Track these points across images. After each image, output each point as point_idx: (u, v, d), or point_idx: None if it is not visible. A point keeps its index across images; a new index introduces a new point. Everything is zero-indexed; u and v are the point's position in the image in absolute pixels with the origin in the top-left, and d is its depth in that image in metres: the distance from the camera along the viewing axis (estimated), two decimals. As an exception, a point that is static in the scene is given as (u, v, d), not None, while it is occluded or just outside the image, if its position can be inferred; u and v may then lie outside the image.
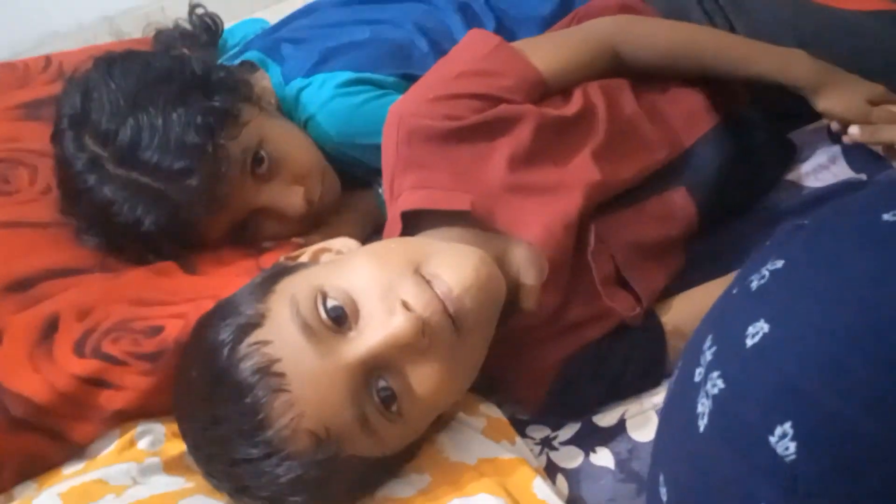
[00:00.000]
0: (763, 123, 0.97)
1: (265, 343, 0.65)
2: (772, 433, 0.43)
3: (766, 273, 0.49)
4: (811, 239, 0.51)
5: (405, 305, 0.66)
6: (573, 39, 0.91)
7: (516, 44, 0.89)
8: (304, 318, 0.66)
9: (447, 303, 0.67)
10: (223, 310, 0.71)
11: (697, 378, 0.49)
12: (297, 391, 0.63)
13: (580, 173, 0.82)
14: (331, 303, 0.67)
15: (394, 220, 0.80)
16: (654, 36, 0.92)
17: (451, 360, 0.69)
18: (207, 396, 0.67)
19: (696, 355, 0.50)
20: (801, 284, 0.47)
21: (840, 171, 0.93)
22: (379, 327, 0.66)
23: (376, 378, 0.66)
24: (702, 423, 0.47)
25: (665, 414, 0.56)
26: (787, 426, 0.42)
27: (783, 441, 0.42)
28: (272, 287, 0.70)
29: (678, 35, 0.93)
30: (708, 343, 0.50)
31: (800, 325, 0.45)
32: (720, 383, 0.47)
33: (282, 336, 0.65)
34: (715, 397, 0.47)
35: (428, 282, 0.68)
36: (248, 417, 0.64)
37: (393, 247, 0.74)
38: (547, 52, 0.87)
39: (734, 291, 0.51)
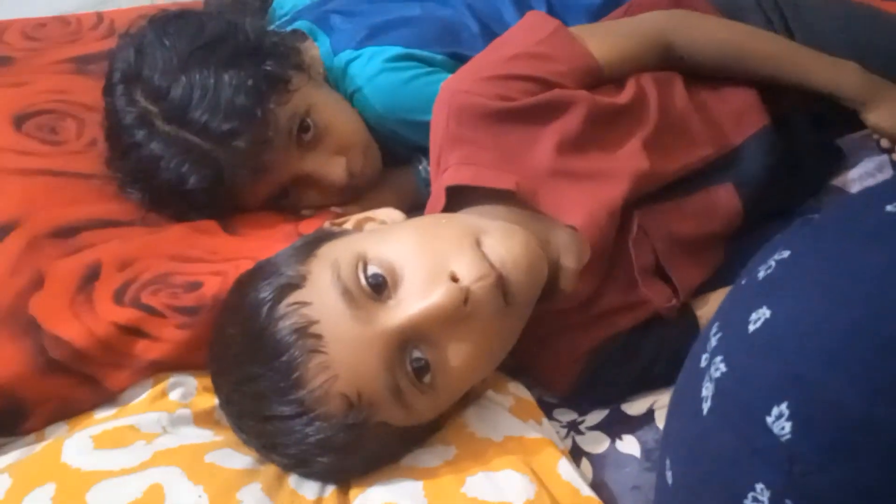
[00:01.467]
0: (811, 127, 0.97)
1: (305, 304, 0.67)
2: (768, 414, 0.44)
3: (773, 263, 0.51)
4: (817, 230, 0.53)
5: (453, 277, 0.68)
6: (629, 29, 0.92)
7: (573, 29, 0.90)
8: (345, 283, 0.67)
9: (504, 272, 0.69)
10: (264, 270, 0.73)
11: (703, 363, 0.51)
12: (333, 354, 0.66)
13: (628, 161, 0.84)
14: (371, 270, 0.69)
15: (438, 195, 0.82)
16: (709, 34, 0.93)
17: (489, 334, 0.71)
18: (244, 353, 0.69)
19: (703, 342, 0.53)
20: (805, 273, 0.49)
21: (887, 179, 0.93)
22: (419, 298, 0.67)
23: (412, 348, 0.68)
24: (705, 407, 0.49)
25: (674, 400, 0.58)
26: (784, 407, 0.44)
27: (779, 421, 0.44)
28: (314, 251, 0.72)
29: (733, 36, 0.94)
30: (714, 330, 0.52)
31: (801, 311, 0.46)
32: (723, 367, 0.48)
33: (321, 299, 0.67)
34: (717, 381, 0.48)
35: (483, 251, 0.69)
36: (283, 375, 0.66)
37: (444, 221, 0.76)
38: (603, 40, 0.89)
39: (743, 282, 0.54)
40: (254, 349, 0.68)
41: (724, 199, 0.89)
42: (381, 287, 0.68)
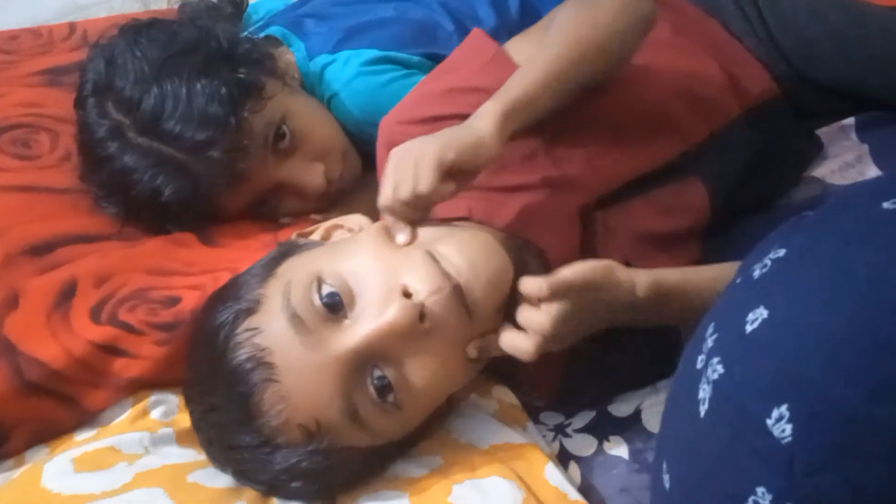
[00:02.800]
0: (789, 118, 0.96)
1: (257, 332, 0.65)
2: (768, 416, 0.44)
3: (768, 262, 0.50)
4: (813, 227, 0.51)
5: (405, 291, 0.65)
6: (542, 31, 0.87)
7: (510, 45, 0.88)
8: (294, 308, 0.65)
9: (462, 281, 0.66)
10: (229, 290, 0.71)
11: (699, 365, 0.50)
12: (286, 382, 0.64)
13: (579, 168, 0.82)
14: (326, 289, 0.66)
15: None
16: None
17: (454, 348, 0.68)
18: (206, 381, 0.68)
19: (698, 343, 0.51)
20: (802, 272, 0.48)
21: (866, 170, 0.93)
22: (372, 317, 0.65)
23: (372, 367, 0.66)
24: (702, 409, 0.48)
25: (669, 403, 0.57)
26: (784, 409, 0.43)
27: (780, 423, 0.43)
28: (275, 269, 0.70)
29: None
30: (710, 331, 0.51)
31: (799, 310, 0.46)
32: (720, 368, 0.47)
33: (271, 326, 0.65)
34: (715, 383, 0.48)
35: (437, 261, 0.66)
36: (240, 406, 0.65)
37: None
38: (525, 48, 0.86)
39: (737, 281, 0.52)
40: (213, 378, 0.66)
41: (692, 193, 0.87)
42: (337, 306, 0.66)
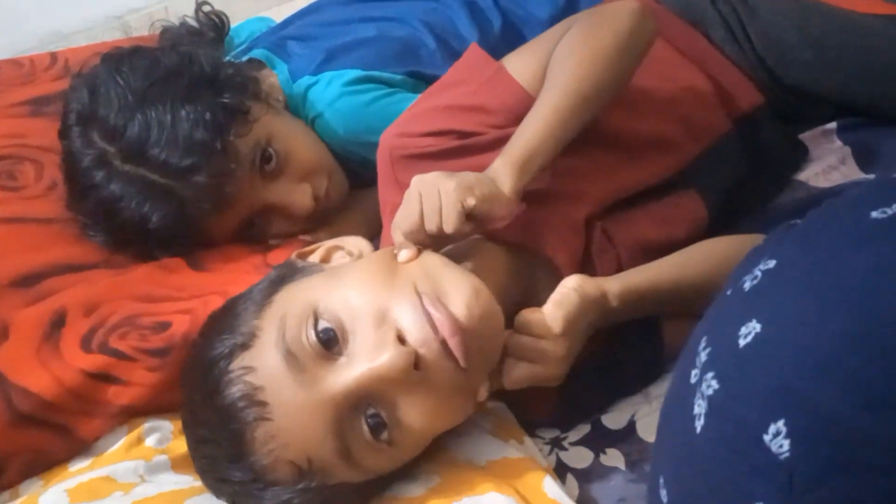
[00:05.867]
0: (775, 125, 0.97)
1: (251, 370, 0.64)
2: (766, 431, 0.43)
3: (759, 273, 0.49)
4: (802, 238, 0.51)
5: (399, 336, 0.64)
6: (544, 49, 0.85)
7: (508, 61, 0.87)
8: (288, 346, 0.64)
9: (449, 340, 0.64)
10: (226, 318, 0.70)
11: (693, 380, 0.49)
12: (278, 421, 0.63)
13: (583, 179, 0.82)
14: (322, 325, 0.65)
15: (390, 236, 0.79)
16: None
17: (450, 390, 0.67)
18: (199, 413, 0.67)
19: (691, 357, 0.51)
20: (793, 284, 0.47)
21: (849, 172, 0.94)
22: (366, 358, 0.64)
23: (365, 405, 0.65)
24: (698, 425, 0.48)
25: (664, 416, 0.56)
26: (781, 424, 0.43)
27: (777, 439, 0.43)
28: (273, 296, 0.69)
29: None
30: (703, 344, 0.50)
31: (792, 323, 0.45)
32: (714, 384, 0.47)
33: (265, 363, 0.64)
34: (710, 398, 0.47)
35: (427, 312, 0.65)
36: (232, 443, 0.64)
37: (392, 269, 0.70)
38: (524, 65, 0.85)
39: (728, 293, 0.52)
40: (205, 411, 0.66)
41: (689, 205, 0.88)
42: (331, 343, 0.64)
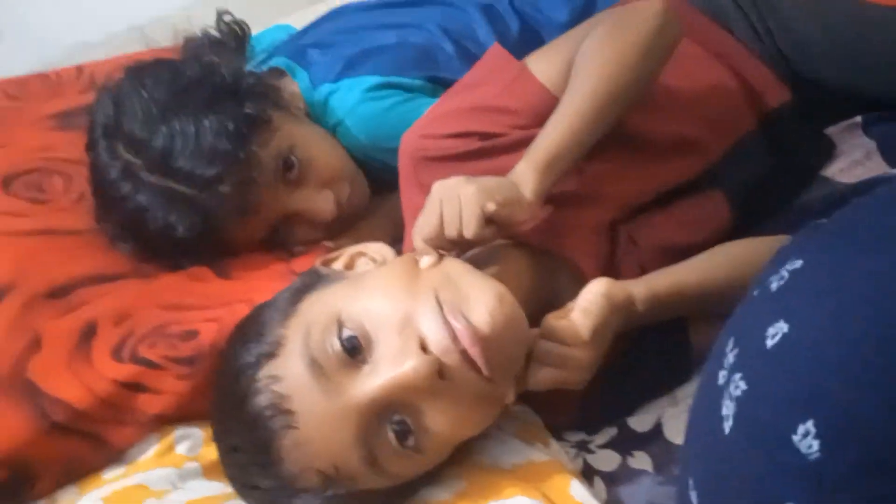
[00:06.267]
0: (800, 120, 0.96)
1: (276, 379, 0.65)
2: (794, 432, 0.43)
3: (786, 274, 0.49)
4: (829, 238, 0.51)
5: (422, 344, 0.64)
6: (568, 49, 0.85)
7: (530, 62, 0.87)
8: (313, 354, 0.65)
9: (469, 350, 0.64)
10: (252, 327, 0.71)
11: (721, 381, 0.49)
12: (305, 429, 0.64)
13: (607, 182, 0.82)
14: (346, 333, 0.65)
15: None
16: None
17: (475, 396, 0.67)
18: (227, 422, 0.68)
19: (719, 358, 0.51)
20: (820, 284, 0.47)
21: (875, 167, 0.93)
22: (390, 366, 0.64)
23: (391, 413, 0.65)
24: (727, 426, 0.48)
25: (692, 418, 0.56)
26: (810, 424, 0.43)
27: (806, 439, 0.43)
28: (297, 305, 0.70)
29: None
30: (730, 346, 0.50)
31: (819, 324, 0.45)
32: (742, 385, 0.47)
33: (291, 372, 0.65)
34: (738, 399, 0.47)
35: (448, 322, 0.64)
36: (260, 450, 0.65)
37: (414, 275, 0.70)
38: (548, 65, 0.85)
39: (755, 293, 0.52)
40: (234, 420, 0.67)
41: (714, 207, 0.88)
42: (356, 350, 0.65)
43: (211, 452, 0.76)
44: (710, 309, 0.74)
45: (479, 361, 0.64)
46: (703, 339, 0.79)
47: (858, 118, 0.96)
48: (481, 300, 0.66)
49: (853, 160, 0.95)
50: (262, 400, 0.64)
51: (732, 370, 0.48)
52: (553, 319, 0.70)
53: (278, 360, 0.66)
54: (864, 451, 0.42)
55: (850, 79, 0.94)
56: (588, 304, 0.70)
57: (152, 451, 0.78)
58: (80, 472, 0.78)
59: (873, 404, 0.42)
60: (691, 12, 1.00)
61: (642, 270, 0.81)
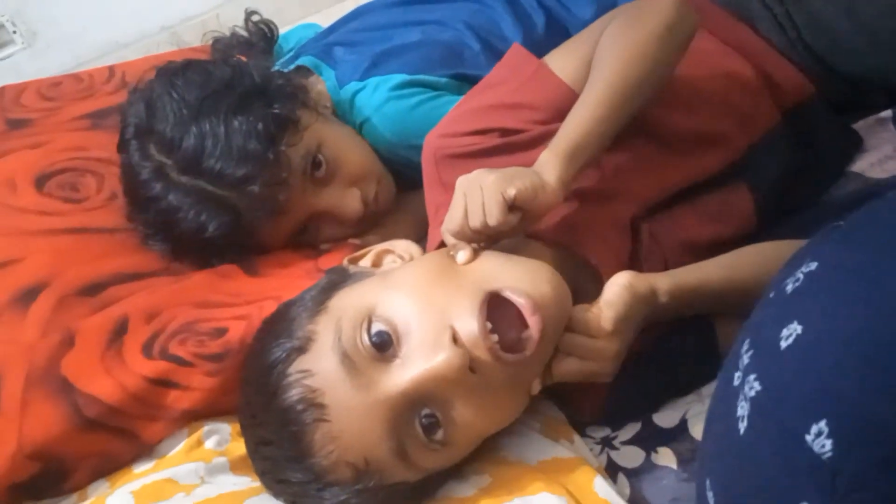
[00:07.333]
0: (827, 115, 0.95)
1: (308, 373, 0.66)
2: (808, 432, 0.43)
3: (801, 276, 0.49)
4: (844, 240, 0.51)
5: (454, 336, 0.65)
6: (586, 44, 0.86)
7: (550, 59, 0.88)
8: (345, 349, 0.66)
9: (530, 320, 0.65)
10: (281, 323, 0.72)
11: (736, 382, 0.50)
12: (337, 422, 0.65)
13: (629, 177, 0.82)
14: (375, 327, 0.66)
15: (436, 239, 0.80)
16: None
17: (503, 388, 0.68)
18: (258, 415, 0.69)
19: (735, 359, 0.51)
20: (834, 286, 0.47)
21: (906, 162, 0.91)
22: (421, 359, 0.65)
23: (420, 406, 0.66)
24: (742, 426, 0.48)
25: (709, 419, 0.56)
26: (823, 424, 0.43)
27: (819, 439, 0.43)
28: (326, 302, 0.71)
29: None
30: (745, 347, 0.50)
31: (832, 325, 0.45)
32: (757, 385, 0.47)
33: (323, 367, 0.66)
34: (753, 400, 0.47)
35: (484, 313, 0.65)
36: (292, 444, 0.66)
37: (447, 268, 0.71)
38: (566, 61, 0.86)
39: (771, 295, 0.52)
40: (265, 414, 0.68)
41: (738, 200, 0.87)
42: (386, 344, 0.66)
43: (239, 447, 0.78)
44: (737, 307, 0.74)
45: (535, 330, 0.65)
46: (729, 338, 0.78)
47: (888, 112, 0.94)
48: (535, 275, 0.68)
49: (884, 155, 0.94)
50: (293, 394, 0.65)
51: (747, 371, 0.49)
52: (578, 311, 0.71)
53: (309, 355, 0.67)
54: (877, 451, 0.42)
55: (881, 70, 0.93)
56: (611, 296, 0.71)
57: (181, 445, 0.79)
58: (111, 466, 0.80)
59: (885, 404, 0.42)
60: (711, 7, 0.99)
61: (666, 268, 0.81)
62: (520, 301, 0.66)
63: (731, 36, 0.97)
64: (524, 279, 0.68)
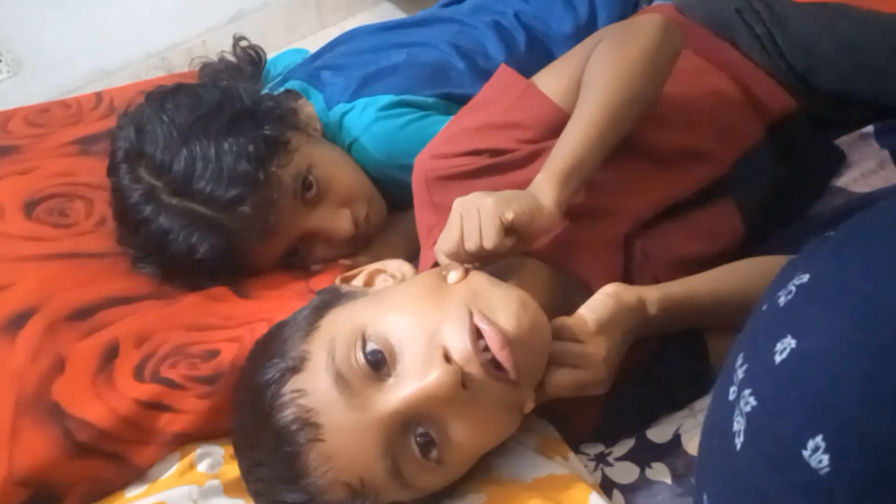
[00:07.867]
0: (810, 130, 0.97)
1: (302, 393, 0.66)
2: (804, 447, 0.43)
3: (793, 288, 0.49)
4: (835, 251, 0.51)
5: (446, 355, 0.65)
6: (573, 64, 0.87)
7: (538, 79, 0.89)
8: (338, 369, 0.66)
9: (498, 354, 0.65)
10: (274, 343, 0.71)
11: (732, 396, 0.49)
12: (331, 442, 0.64)
13: (621, 195, 0.83)
14: (370, 346, 0.66)
15: (429, 260, 0.80)
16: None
17: (497, 405, 0.68)
18: (252, 438, 0.69)
19: (729, 374, 0.51)
20: (827, 298, 0.47)
21: (889, 176, 0.93)
22: (415, 378, 0.65)
23: (415, 425, 0.66)
24: (738, 442, 0.48)
25: (705, 434, 0.56)
26: (819, 439, 0.43)
27: (816, 454, 0.43)
28: (319, 320, 0.71)
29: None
30: (740, 361, 0.50)
31: (826, 338, 0.45)
32: (752, 401, 0.47)
33: (317, 387, 0.66)
34: (748, 415, 0.47)
35: (473, 330, 0.65)
36: (287, 465, 0.65)
37: (438, 289, 0.71)
38: (555, 81, 0.87)
39: (763, 308, 0.52)
40: (260, 435, 0.67)
41: (725, 216, 0.88)
42: (380, 363, 0.66)
43: (232, 470, 0.77)
44: (727, 321, 0.74)
45: (508, 364, 0.65)
46: (721, 352, 0.79)
47: (870, 127, 0.96)
48: (507, 307, 0.67)
49: (867, 169, 0.95)
50: (287, 414, 0.65)
51: (742, 386, 0.48)
52: (562, 318, 0.72)
53: (303, 375, 0.66)
54: (874, 465, 0.41)
55: (861, 87, 0.95)
56: (594, 302, 0.72)
57: (174, 469, 0.78)
58: (103, 491, 0.79)
59: (882, 418, 0.41)
60: (693, 26, 1.01)
61: (656, 283, 0.82)
62: (487, 331, 0.65)
63: (714, 54, 0.98)
64: (497, 308, 0.67)
